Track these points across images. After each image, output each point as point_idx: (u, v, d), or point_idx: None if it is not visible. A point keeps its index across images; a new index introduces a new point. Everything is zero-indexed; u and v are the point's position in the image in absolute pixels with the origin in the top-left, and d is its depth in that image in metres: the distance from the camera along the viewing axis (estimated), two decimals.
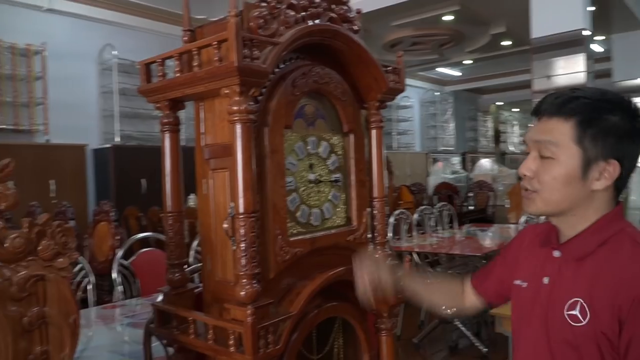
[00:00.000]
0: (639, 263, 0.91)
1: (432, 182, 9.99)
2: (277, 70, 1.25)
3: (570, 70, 6.19)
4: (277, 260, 1.21)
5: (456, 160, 12.38)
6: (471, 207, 8.32)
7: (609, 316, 0.90)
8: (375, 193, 1.53)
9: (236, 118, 1.10)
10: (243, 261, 1.10)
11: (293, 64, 1.30)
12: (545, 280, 1.02)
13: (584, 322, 0.93)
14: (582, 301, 0.94)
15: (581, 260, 0.97)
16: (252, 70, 1.09)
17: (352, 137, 1.45)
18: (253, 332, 1.07)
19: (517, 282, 1.09)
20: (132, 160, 6.14)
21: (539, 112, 1.02)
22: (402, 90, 1.57)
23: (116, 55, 6.25)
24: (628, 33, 7.60)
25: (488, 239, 4.55)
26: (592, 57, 5.97)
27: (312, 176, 1.35)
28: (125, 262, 2.82)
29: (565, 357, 0.96)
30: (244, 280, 1.10)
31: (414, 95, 11.54)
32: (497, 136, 14.51)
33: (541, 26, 5.44)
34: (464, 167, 12.27)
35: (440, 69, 10.97)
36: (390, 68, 1.52)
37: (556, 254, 1.02)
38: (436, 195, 8.21)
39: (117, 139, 6.27)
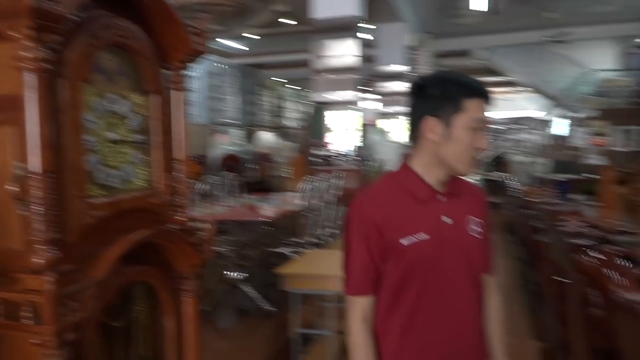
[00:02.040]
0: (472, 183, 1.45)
1: (216, 153, 10.05)
2: (75, 17, 1.14)
3: (343, 53, 6.81)
4: (77, 224, 1.12)
5: (239, 133, 12.64)
6: (255, 178, 8.64)
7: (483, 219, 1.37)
8: (177, 155, 1.51)
9: (27, 66, 0.98)
10: (40, 226, 1.00)
11: (93, 12, 1.20)
12: (448, 220, 1.30)
13: (480, 230, 1.34)
14: (475, 218, 1.34)
15: (460, 194, 1.36)
16: (47, 12, 0.98)
17: (154, 97, 1.41)
18: (53, 300, 0.99)
19: (410, 238, 1.26)
20: None
21: (488, 97, 1.28)
22: (204, 53, 1.57)
23: None
24: (390, 24, 8.64)
25: (272, 205, 4.81)
26: (362, 43, 6.66)
27: (113, 136, 1.28)
28: None
29: (473, 267, 1.33)
30: (41, 247, 1.00)
31: (198, 66, 11.36)
32: (278, 111, 15.23)
33: (320, 9, 5.85)
34: (247, 139, 12.61)
35: (225, 42, 10.97)
36: (193, 29, 1.50)
37: (443, 199, 1.32)
38: (221, 166, 8.30)
39: None
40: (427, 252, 1.27)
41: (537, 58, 11.16)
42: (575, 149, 10.06)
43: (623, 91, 10.23)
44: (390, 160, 7.18)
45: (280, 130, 14.68)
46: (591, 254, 1.93)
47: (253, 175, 8.82)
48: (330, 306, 3.26)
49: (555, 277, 2.86)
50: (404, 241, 1.26)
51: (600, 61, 11.44)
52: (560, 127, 11.13)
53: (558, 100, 11.32)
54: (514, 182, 9.07)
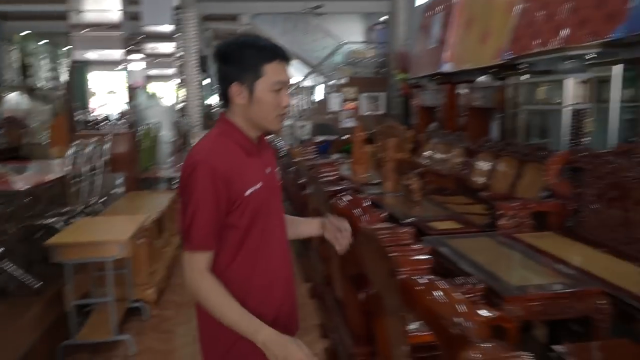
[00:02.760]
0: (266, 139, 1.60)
1: None
2: None
3: (106, 8, 6.35)
4: None
5: None
6: (4, 144, 7.55)
7: None
8: None
9: None
10: None
11: None
12: (268, 170, 1.49)
13: (279, 178, 1.58)
14: (276, 168, 1.56)
15: (264, 147, 1.53)
16: None
17: None
18: None
19: (251, 189, 1.39)
20: None
21: (286, 58, 1.42)
22: None
23: None
24: None
25: (29, 174, 4.36)
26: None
27: None
28: None
29: (283, 209, 1.57)
30: None
31: None
32: (25, 69, 13.33)
33: None
34: None
35: None
36: None
37: (259, 154, 1.47)
38: None
39: None
40: (264, 199, 1.43)
41: (299, 28, 11.95)
42: (333, 113, 11.22)
43: (369, 62, 11.70)
44: (160, 124, 7.03)
45: (31, 91, 12.93)
46: (344, 198, 2.30)
47: (1, 142, 7.69)
48: (108, 273, 3.18)
49: None
50: (248, 191, 1.38)
51: (351, 34, 12.81)
52: (320, 93, 12.24)
53: (317, 69, 12.36)
54: (281, 144, 9.75)
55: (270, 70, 1.39)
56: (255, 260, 1.43)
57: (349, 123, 10.53)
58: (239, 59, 1.39)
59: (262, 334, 1.32)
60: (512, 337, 1.71)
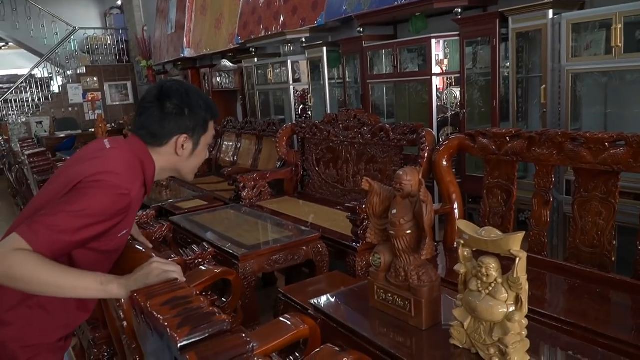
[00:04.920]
0: None
1: None
2: None
3: None
4: None
5: None
6: None
7: None
8: None
9: None
10: None
11: None
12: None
13: None
14: None
15: None
16: None
17: None
18: None
19: (124, 231, 1.30)
20: None
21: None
22: None
23: None
24: None
25: None
26: None
27: None
28: None
29: None
30: None
31: None
32: None
33: None
34: None
35: None
36: None
37: None
38: None
39: None
40: (122, 246, 1.35)
41: (19, 13, 10.61)
42: (74, 105, 10.39)
43: (109, 49, 11.09)
44: None
45: None
46: None
47: None
48: None
49: None
50: (122, 233, 1.30)
51: (86, 20, 11.90)
52: (58, 84, 11.15)
53: (51, 58, 11.22)
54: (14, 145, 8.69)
55: (211, 126, 1.43)
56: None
57: (92, 114, 9.90)
58: (195, 111, 1.37)
59: (117, 283, 1.16)
60: (238, 286, 1.96)
